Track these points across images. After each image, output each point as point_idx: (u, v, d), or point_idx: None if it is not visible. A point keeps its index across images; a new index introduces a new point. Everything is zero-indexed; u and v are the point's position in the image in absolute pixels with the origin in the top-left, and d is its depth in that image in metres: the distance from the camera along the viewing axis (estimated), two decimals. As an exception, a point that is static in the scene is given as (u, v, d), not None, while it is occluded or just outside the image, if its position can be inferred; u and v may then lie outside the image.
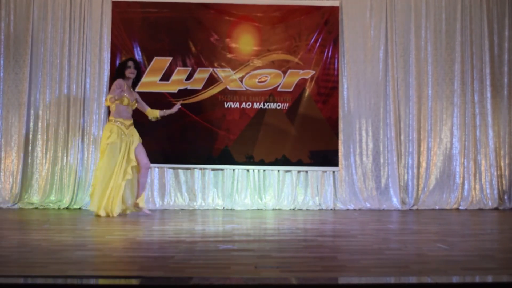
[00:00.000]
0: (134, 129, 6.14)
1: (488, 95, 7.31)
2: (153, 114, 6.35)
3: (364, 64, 7.29)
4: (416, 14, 7.33)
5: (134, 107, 6.21)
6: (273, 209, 6.96)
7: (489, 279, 2.87)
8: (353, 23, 7.31)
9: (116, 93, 5.82)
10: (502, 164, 7.33)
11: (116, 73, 6.18)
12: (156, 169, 7.07)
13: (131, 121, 6.13)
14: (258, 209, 6.93)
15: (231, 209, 6.94)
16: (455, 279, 2.83)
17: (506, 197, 7.27)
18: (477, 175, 7.28)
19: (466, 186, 7.26)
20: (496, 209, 7.12)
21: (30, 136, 7.02)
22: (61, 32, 7.09)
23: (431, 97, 7.29)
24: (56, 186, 6.96)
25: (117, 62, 7.03)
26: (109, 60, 7.10)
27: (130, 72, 6.08)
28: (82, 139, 7.04)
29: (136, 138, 6.08)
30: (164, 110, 6.38)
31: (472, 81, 7.33)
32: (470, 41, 7.34)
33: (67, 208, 6.78)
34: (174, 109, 6.38)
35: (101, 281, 2.82)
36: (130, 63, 6.10)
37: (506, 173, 7.31)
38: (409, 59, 7.30)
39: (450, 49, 7.33)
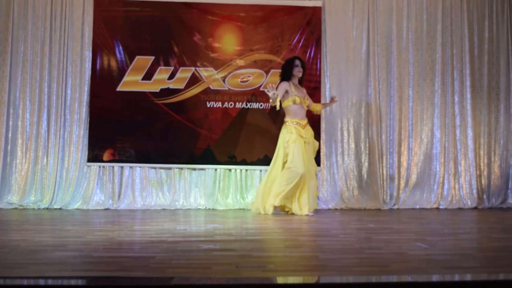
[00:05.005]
0: (310, 128, 6.32)
1: (468, 95, 7.40)
2: (316, 108, 6.56)
3: (346, 64, 7.32)
4: (398, 15, 7.39)
5: (306, 104, 6.34)
6: (255, 209, 6.95)
7: (468, 277, 2.90)
8: (335, 24, 7.34)
9: (280, 94, 6.02)
10: (481, 164, 7.42)
11: (283, 72, 6.33)
12: (138, 168, 7.03)
13: (306, 120, 6.31)
14: (240, 209, 6.92)
15: (213, 208, 6.92)
16: (435, 278, 2.86)
17: (485, 196, 7.37)
18: (457, 175, 7.36)
19: (446, 186, 7.33)
20: (475, 208, 7.20)
21: (10, 135, 6.92)
22: (41, 30, 7.01)
23: (412, 98, 7.35)
24: (36, 186, 6.88)
25: (98, 61, 6.99)
26: (91, 59, 7.02)
27: (298, 71, 6.27)
28: (63, 138, 6.96)
29: (311, 140, 6.24)
30: (324, 103, 6.77)
31: (452, 82, 7.41)
32: (451, 42, 7.42)
33: (47, 209, 6.71)
34: (332, 102, 6.64)
35: (82, 282, 2.80)
36: (298, 62, 6.28)
37: (485, 173, 7.41)
38: (391, 60, 7.36)
39: (431, 50, 7.40)
